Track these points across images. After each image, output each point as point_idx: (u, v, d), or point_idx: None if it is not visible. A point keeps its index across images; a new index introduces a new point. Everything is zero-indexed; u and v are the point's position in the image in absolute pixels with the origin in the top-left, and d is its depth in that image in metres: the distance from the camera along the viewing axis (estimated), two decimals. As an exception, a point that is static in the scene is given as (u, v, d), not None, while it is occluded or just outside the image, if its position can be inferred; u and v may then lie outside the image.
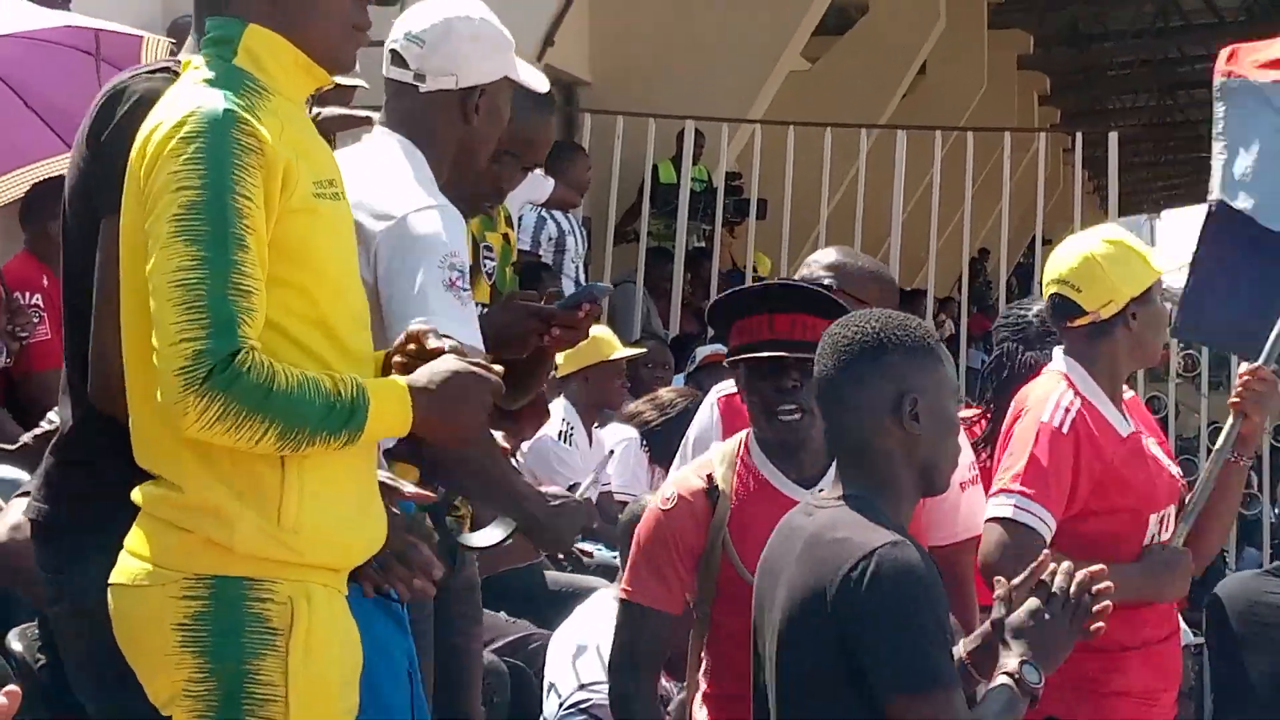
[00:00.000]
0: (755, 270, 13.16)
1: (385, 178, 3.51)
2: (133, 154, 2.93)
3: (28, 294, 6.61)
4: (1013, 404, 4.34)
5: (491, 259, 4.11)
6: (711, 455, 4.07)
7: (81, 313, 3.16)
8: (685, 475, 4.07)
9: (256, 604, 2.86)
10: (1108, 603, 3.26)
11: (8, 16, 6.40)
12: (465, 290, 3.46)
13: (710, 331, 12.37)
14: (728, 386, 4.50)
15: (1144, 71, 24.84)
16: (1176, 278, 4.84)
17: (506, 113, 3.83)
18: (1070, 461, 4.15)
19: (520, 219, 9.67)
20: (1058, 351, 4.35)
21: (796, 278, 4.30)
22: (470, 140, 3.77)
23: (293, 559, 2.88)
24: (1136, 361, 4.46)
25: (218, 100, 2.86)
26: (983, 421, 4.94)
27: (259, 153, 2.82)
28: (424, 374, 2.96)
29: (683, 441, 4.59)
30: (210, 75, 2.93)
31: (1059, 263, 4.32)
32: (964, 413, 4.82)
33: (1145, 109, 28.41)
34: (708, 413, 4.57)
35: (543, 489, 3.78)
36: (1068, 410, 4.17)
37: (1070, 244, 4.39)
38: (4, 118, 6.74)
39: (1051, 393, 4.22)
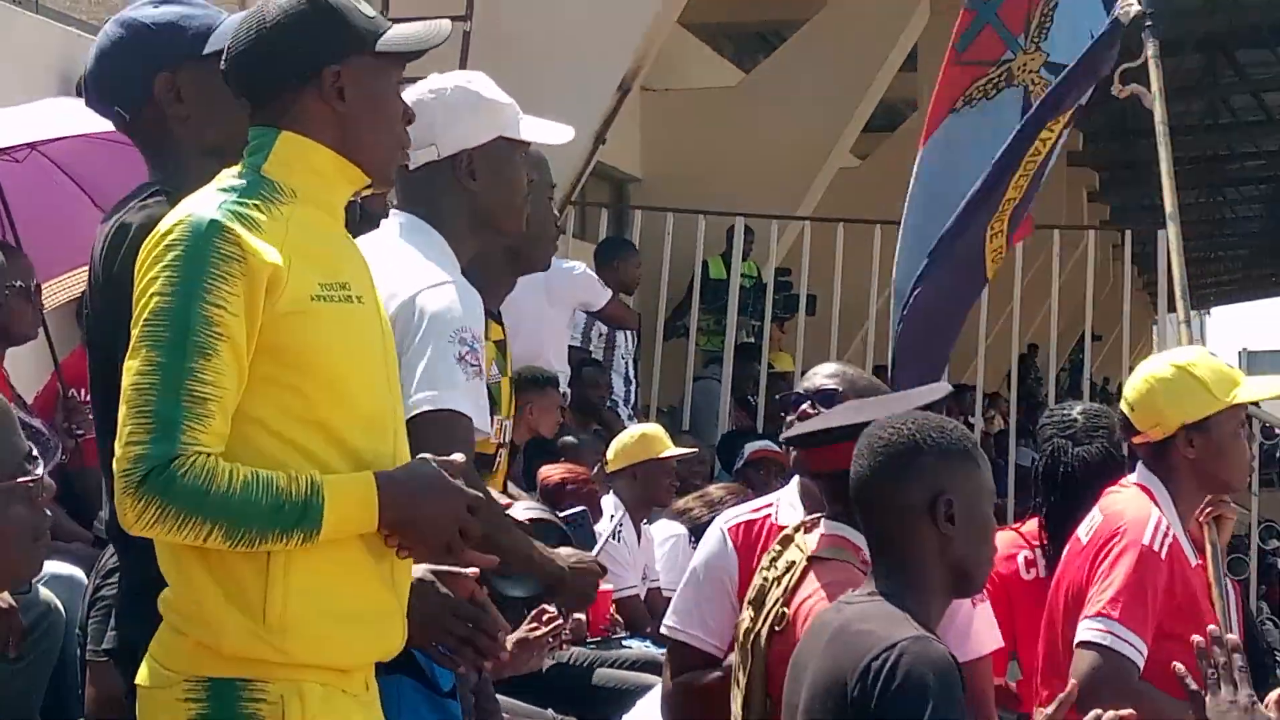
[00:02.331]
0: (773, 366, 13.16)
1: (397, 258, 3.52)
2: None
3: (83, 390, 6.60)
4: (1100, 518, 4.27)
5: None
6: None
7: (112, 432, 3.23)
8: None
9: (250, 704, 2.86)
10: None
11: (74, 117, 6.49)
12: (474, 365, 3.45)
13: (759, 425, 12.43)
14: (735, 515, 4.30)
15: (1193, 168, 24.85)
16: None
17: (513, 170, 3.80)
18: (1164, 584, 4.11)
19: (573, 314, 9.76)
20: (1140, 464, 4.34)
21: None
22: (480, 203, 3.75)
23: (282, 659, 2.87)
24: (1208, 489, 4.38)
25: (208, 209, 2.88)
26: (1034, 524, 4.92)
27: (240, 260, 2.84)
28: (401, 474, 2.95)
29: (691, 569, 4.30)
30: (226, 184, 2.97)
31: (1131, 378, 4.35)
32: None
33: (1194, 205, 28.45)
34: (719, 542, 4.22)
35: (557, 550, 3.77)
36: (1165, 534, 4.13)
37: (1148, 361, 4.38)
38: (73, 215, 6.82)
39: (1149, 513, 4.17)
